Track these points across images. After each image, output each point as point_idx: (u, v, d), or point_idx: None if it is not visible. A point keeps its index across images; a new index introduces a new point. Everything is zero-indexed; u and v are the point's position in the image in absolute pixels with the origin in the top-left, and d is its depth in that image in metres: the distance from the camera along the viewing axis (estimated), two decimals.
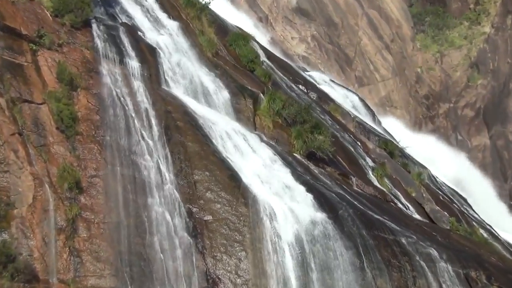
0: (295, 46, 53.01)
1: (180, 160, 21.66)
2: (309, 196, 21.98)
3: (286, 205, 21.42)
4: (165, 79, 24.17)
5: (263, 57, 32.72)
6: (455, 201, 34.16)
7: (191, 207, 20.80)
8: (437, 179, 36.23)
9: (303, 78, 37.48)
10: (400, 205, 27.14)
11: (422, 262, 21.25)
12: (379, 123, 42.12)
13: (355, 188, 25.66)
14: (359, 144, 31.46)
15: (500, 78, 59.09)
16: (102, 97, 22.01)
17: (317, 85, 38.73)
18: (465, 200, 36.63)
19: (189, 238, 20.36)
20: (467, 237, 26.43)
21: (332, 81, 44.34)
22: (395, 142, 37.12)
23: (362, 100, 43.57)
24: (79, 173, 20.28)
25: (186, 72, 24.90)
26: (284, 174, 22.84)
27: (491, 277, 21.45)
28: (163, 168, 21.32)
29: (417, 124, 56.81)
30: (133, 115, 22.08)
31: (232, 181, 21.41)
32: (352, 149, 29.67)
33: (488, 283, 21.21)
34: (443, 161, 47.71)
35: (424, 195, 30.68)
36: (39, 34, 22.20)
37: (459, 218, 30.25)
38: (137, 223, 20.16)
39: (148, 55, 24.07)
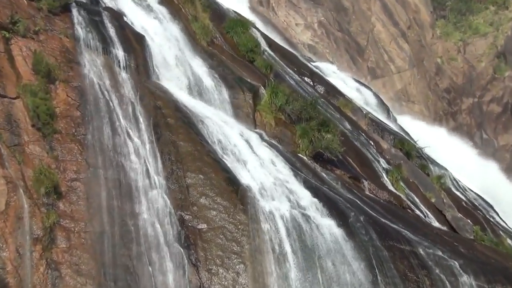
0: (300, 33, 53.07)
1: (171, 161, 21.67)
2: (316, 202, 21.99)
3: (289, 212, 21.41)
4: (154, 70, 24.22)
5: (264, 46, 32.76)
6: (480, 207, 34.24)
7: (183, 214, 20.81)
8: (460, 183, 36.36)
9: (309, 70, 37.51)
10: (417, 212, 27.14)
11: (442, 276, 21.24)
12: (395, 120, 42.31)
13: (367, 193, 25.68)
14: (372, 143, 31.50)
15: None
16: (83, 91, 22.00)
17: (325, 77, 38.83)
18: (491, 206, 36.73)
19: (181, 249, 20.34)
20: (493, 248, 26.39)
21: (342, 72, 44.42)
22: (412, 141, 37.17)
23: (375, 94, 43.70)
24: (58, 176, 20.27)
25: (178, 63, 25.01)
26: (287, 177, 22.87)
27: None
28: (152, 170, 21.35)
29: (437, 121, 56.84)
30: (118, 111, 22.10)
31: (229, 185, 21.42)
32: (364, 150, 29.68)
33: None
34: (467, 162, 47.79)
35: (444, 200, 30.79)
36: (13, 20, 22.15)
37: (484, 227, 30.33)
38: (122, 232, 20.14)
39: (135, 44, 24.08)
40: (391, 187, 27.82)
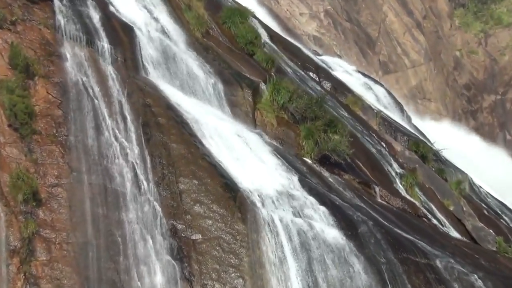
0: (305, 24, 53.10)
1: (162, 165, 21.65)
2: (322, 210, 21.95)
3: (293, 221, 21.32)
4: (144, 64, 24.20)
5: (265, 38, 32.76)
6: (504, 216, 34.17)
7: (175, 223, 20.77)
8: (481, 189, 36.29)
9: (314, 64, 37.50)
10: (434, 221, 27.12)
11: None
12: (409, 119, 42.33)
13: (379, 200, 25.65)
14: (384, 145, 31.56)
15: None
16: (65, 87, 21.97)
17: (332, 72, 38.86)
18: None
19: (173, 262, 20.29)
20: None
21: (351, 67, 44.39)
22: (428, 143, 37.18)
23: (387, 91, 43.71)
24: (37, 182, 20.21)
25: (170, 56, 24.97)
26: (290, 183, 22.80)
27: None
28: (141, 175, 21.32)
29: (456, 120, 56.87)
30: (104, 109, 22.07)
31: (226, 191, 21.39)
32: (375, 152, 29.71)
33: None
34: (488, 166, 47.77)
35: (464, 208, 30.78)
36: None
37: (508, 238, 30.22)
38: (108, 243, 20.09)
39: (123, 35, 24.09)
40: (405, 194, 27.80)
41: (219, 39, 28.61)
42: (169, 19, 26.72)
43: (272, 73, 28.70)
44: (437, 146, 37.45)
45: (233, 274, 20.21)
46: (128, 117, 22.26)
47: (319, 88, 32.90)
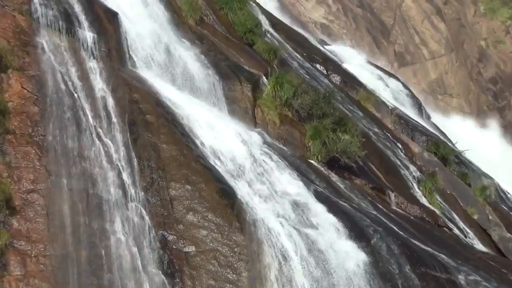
0: (311, 10, 53.11)
1: (150, 168, 21.61)
2: (331, 219, 21.96)
3: (297, 231, 21.32)
4: (130, 56, 24.17)
5: (266, 26, 32.80)
6: None
7: (166, 234, 20.74)
8: (509, 195, 36.46)
9: (321, 55, 37.65)
10: (456, 231, 27.15)
11: None
12: (428, 117, 42.57)
13: (394, 208, 25.70)
14: (400, 146, 31.61)
15: None
16: (42, 81, 21.87)
17: (341, 65, 38.97)
18: None
19: (163, 277, 20.25)
20: None
21: (363, 58, 44.48)
22: (450, 143, 37.25)
23: (404, 85, 43.90)
24: (11, 187, 20.12)
25: (159, 47, 24.96)
26: (295, 188, 22.82)
27: None
28: (127, 180, 21.28)
29: (481, 118, 56.82)
30: (86, 106, 21.98)
31: (223, 197, 21.37)
32: (390, 154, 29.73)
33: None
34: None
35: (490, 217, 30.88)
36: None
37: None
38: (91, 256, 20.01)
39: (107, 23, 24.01)
40: (423, 201, 27.82)
41: (215, 27, 28.62)
42: (159, 5, 26.74)
43: (274, 65, 28.76)
44: (459, 147, 37.63)
45: None
46: (113, 115, 22.15)
47: (327, 82, 32.90)
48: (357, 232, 21.84)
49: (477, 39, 59.66)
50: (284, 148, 24.82)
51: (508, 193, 36.83)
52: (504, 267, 23.95)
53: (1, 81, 21.58)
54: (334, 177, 24.92)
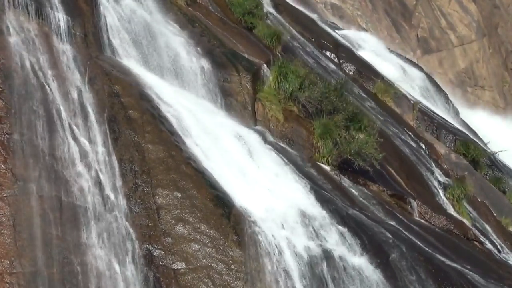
0: None
1: (133, 172, 21.45)
2: (343, 232, 21.85)
3: (305, 245, 21.29)
4: (110, 41, 24.14)
5: (268, 7, 33.27)
6: None
7: (151, 248, 20.56)
8: None
9: (332, 41, 38.07)
10: (488, 245, 27.12)
11: None
12: (456, 112, 43.10)
13: (417, 218, 25.67)
14: (424, 147, 31.82)
15: None
16: (8, 71, 21.61)
17: (356, 52, 39.54)
18: None
19: None
20: None
21: (380, 45, 45.21)
22: (481, 144, 37.66)
23: (428, 75, 44.69)
24: None
25: (145, 31, 25.00)
26: (302, 196, 22.74)
27: None
28: (107, 185, 21.16)
29: None
30: (58, 99, 21.79)
31: (217, 206, 21.18)
32: (412, 156, 29.83)
33: None
34: None
35: None
36: None
37: None
38: (64, 274, 19.84)
39: (83, 3, 23.89)
40: (450, 210, 27.87)
41: (209, 8, 28.71)
42: None
43: (277, 53, 28.85)
44: (492, 147, 38.26)
45: None
46: (90, 110, 21.99)
47: (339, 72, 33.14)
48: (372, 246, 21.73)
49: None
50: (289, 149, 24.88)
51: None
52: None
53: None
54: (346, 183, 24.96)
